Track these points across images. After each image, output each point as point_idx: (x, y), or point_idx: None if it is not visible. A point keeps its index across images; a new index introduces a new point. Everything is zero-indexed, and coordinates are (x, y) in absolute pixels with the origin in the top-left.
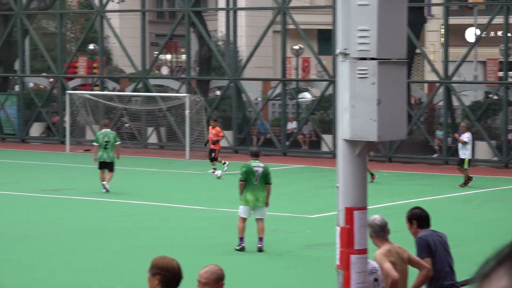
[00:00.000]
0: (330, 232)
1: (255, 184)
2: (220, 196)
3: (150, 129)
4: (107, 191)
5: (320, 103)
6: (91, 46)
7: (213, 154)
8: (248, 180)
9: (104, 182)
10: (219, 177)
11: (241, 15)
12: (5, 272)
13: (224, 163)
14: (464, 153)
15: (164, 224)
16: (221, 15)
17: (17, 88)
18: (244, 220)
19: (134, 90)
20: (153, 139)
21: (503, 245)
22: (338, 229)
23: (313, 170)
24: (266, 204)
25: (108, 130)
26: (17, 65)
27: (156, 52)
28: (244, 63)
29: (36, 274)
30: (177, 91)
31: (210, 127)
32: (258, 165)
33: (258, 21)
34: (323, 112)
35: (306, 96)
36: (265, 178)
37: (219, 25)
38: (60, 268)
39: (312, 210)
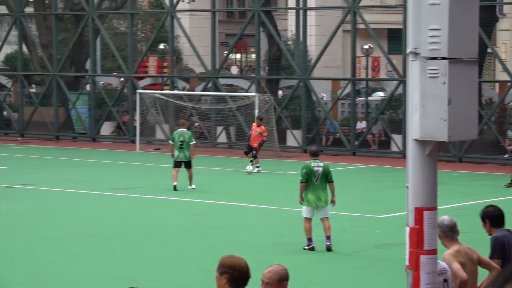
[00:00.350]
0: (400, 233)
1: (316, 184)
2: (289, 195)
3: (219, 129)
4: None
5: (390, 103)
6: (161, 46)
7: (253, 151)
8: (309, 180)
9: (189, 187)
10: (249, 173)
11: (311, 14)
12: (79, 267)
13: (258, 167)
14: None
15: (233, 223)
16: (291, 15)
17: (88, 87)
18: (309, 220)
19: (204, 90)
20: (222, 138)
21: None
22: (407, 229)
23: (383, 170)
24: (333, 203)
25: (184, 129)
26: (88, 65)
27: (226, 52)
28: (313, 62)
29: (105, 268)
30: (246, 91)
31: (255, 124)
32: (318, 165)
33: (328, 20)
34: (393, 111)
35: (380, 95)
36: (326, 177)
37: (289, 25)
38: (129, 264)
39: (382, 210)
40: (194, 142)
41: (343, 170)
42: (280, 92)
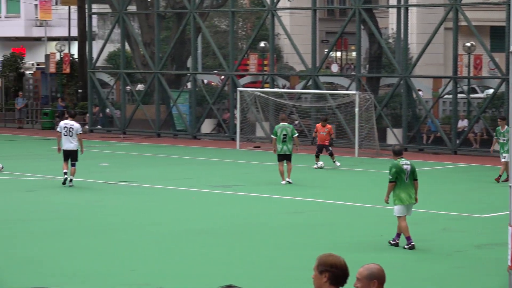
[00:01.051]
0: (502, 232)
1: (406, 182)
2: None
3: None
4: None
5: (492, 101)
6: (262, 44)
7: (330, 148)
8: (399, 179)
9: (287, 179)
10: (320, 167)
11: (412, 12)
12: (176, 263)
13: (317, 163)
14: None
15: (331, 221)
16: (392, 12)
17: (189, 85)
18: (404, 218)
19: (304, 88)
20: None
21: None
22: (510, 229)
23: (484, 169)
24: (416, 200)
25: (286, 123)
26: (189, 63)
27: (326, 50)
28: (414, 60)
29: (209, 266)
30: (346, 89)
31: (320, 125)
32: (405, 163)
33: (429, 18)
34: (495, 110)
35: (490, 92)
36: (413, 175)
37: (389, 22)
38: (226, 261)
39: (483, 209)
40: (296, 134)
41: (444, 169)
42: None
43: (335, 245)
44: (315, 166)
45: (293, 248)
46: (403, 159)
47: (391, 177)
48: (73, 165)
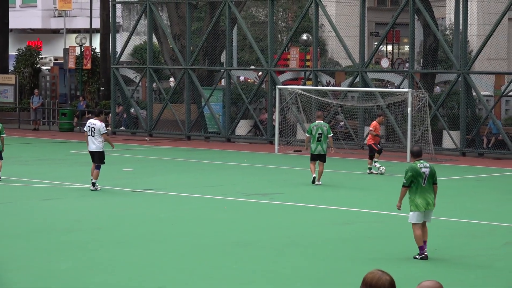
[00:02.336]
0: None
1: (424, 187)
2: (446, 203)
3: (367, 128)
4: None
5: None
6: (304, 36)
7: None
8: (416, 183)
9: (314, 175)
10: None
11: (473, 0)
12: (214, 280)
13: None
14: None
15: (382, 233)
16: (450, 1)
17: (223, 82)
18: (419, 226)
19: (351, 85)
20: None
21: None
22: None
23: None
24: (433, 206)
25: (322, 122)
26: (223, 57)
27: (375, 43)
28: (474, 54)
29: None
30: (398, 86)
31: (378, 123)
32: (424, 166)
33: (491, 7)
34: None
35: None
36: (432, 178)
37: (447, 12)
38: (270, 275)
39: None
40: (331, 134)
41: (507, 175)
42: (437, 88)
43: (386, 260)
44: (376, 172)
45: (342, 261)
46: (422, 161)
47: (405, 182)
48: (97, 167)
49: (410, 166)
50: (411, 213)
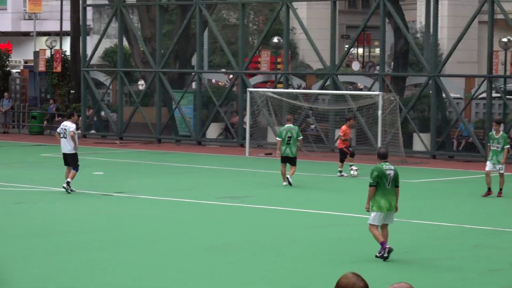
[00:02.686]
0: None
1: (388, 188)
2: (417, 206)
3: (338, 131)
4: (290, 184)
5: None
6: (275, 39)
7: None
8: (380, 184)
9: (287, 176)
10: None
11: (443, 3)
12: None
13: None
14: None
15: (354, 236)
16: (421, 4)
17: (194, 85)
18: (376, 227)
19: (322, 88)
20: None
21: None
22: None
23: None
24: (396, 209)
25: (291, 125)
26: (194, 60)
27: (346, 46)
28: (445, 57)
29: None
30: (369, 89)
31: (347, 127)
32: (389, 168)
33: (462, 10)
34: None
35: None
36: (395, 181)
37: (418, 15)
38: (242, 280)
39: None
40: (301, 137)
41: (477, 178)
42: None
43: (360, 263)
44: (342, 174)
45: (316, 265)
46: (387, 163)
47: (372, 181)
48: (73, 168)
49: (376, 167)
50: (372, 213)
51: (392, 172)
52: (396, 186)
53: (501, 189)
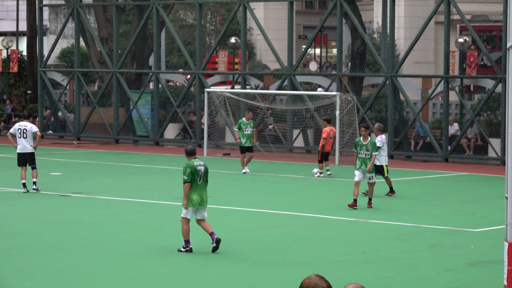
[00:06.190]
0: (497, 248)
1: (199, 183)
2: (375, 206)
3: (296, 131)
4: (245, 172)
5: (487, 103)
6: (232, 40)
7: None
8: (193, 180)
9: (244, 171)
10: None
11: (400, 4)
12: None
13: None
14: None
15: (311, 237)
16: (377, 4)
17: (151, 85)
18: (187, 221)
19: (279, 88)
20: (299, 142)
21: None
22: (506, 245)
23: (478, 178)
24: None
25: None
26: (151, 61)
27: (304, 46)
28: (402, 58)
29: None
30: (326, 89)
31: (329, 128)
32: (200, 164)
33: (418, 11)
34: (491, 113)
35: None
36: (206, 177)
37: (374, 16)
38: (200, 282)
39: (477, 223)
40: (255, 129)
41: (434, 178)
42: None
43: (317, 263)
44: (319, 176)
45: (272, 266)
46: (197, 160)
47: (186, 178)
48: (33, 168)
49: (187, 164)
50: (183, 208)
51: (202, 168)
52: (206, 181)
53: (370, 199)
